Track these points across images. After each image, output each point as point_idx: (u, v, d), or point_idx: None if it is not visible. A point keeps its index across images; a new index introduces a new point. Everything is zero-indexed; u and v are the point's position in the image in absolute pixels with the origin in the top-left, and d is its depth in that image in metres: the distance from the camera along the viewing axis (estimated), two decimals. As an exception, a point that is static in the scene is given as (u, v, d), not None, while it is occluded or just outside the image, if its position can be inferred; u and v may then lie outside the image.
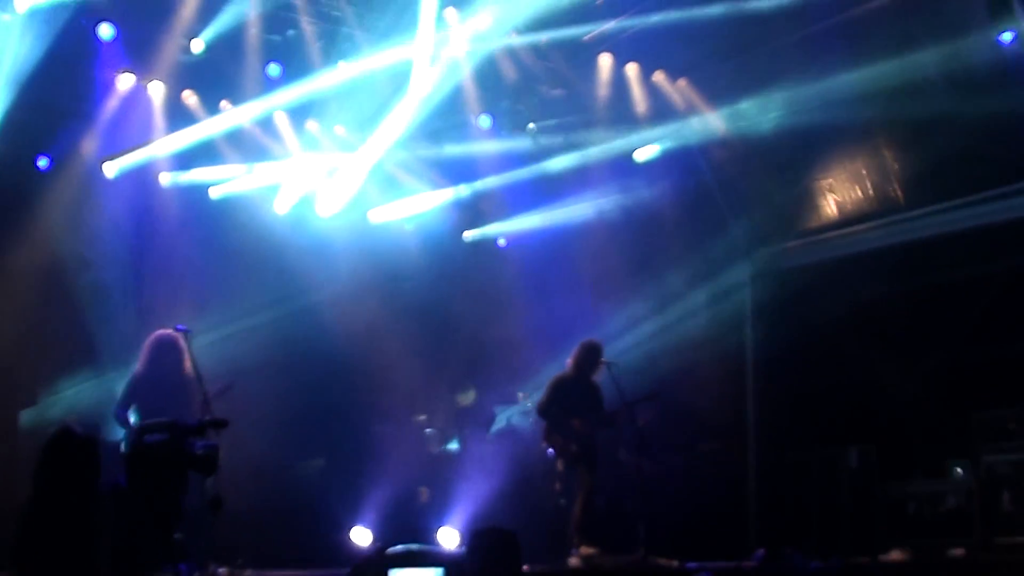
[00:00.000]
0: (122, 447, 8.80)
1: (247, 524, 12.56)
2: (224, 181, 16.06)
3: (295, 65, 15.06)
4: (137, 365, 11.69)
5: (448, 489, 14.94)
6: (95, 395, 13.69)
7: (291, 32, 14.76)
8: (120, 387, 11.57)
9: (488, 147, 17.17)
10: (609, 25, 15.54)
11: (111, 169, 14.93)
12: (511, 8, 14.77)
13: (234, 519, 11.18)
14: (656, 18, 15.08)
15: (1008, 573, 11.67)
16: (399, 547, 10.58)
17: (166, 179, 15.66)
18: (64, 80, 14.06)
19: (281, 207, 16.54)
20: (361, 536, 14.25)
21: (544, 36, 15.53)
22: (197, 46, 14.38)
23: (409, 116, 15.73)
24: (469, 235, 18.19)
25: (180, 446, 8.29)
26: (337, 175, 16.57)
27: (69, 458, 7.07)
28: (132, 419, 10.85)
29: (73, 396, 13.96)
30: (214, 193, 16.10)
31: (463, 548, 6.82)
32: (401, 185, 17.43)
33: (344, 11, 14.69)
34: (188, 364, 11.43)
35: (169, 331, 11.76)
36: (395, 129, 15.90)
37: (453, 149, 17.15)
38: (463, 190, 17.76)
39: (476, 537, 7.13)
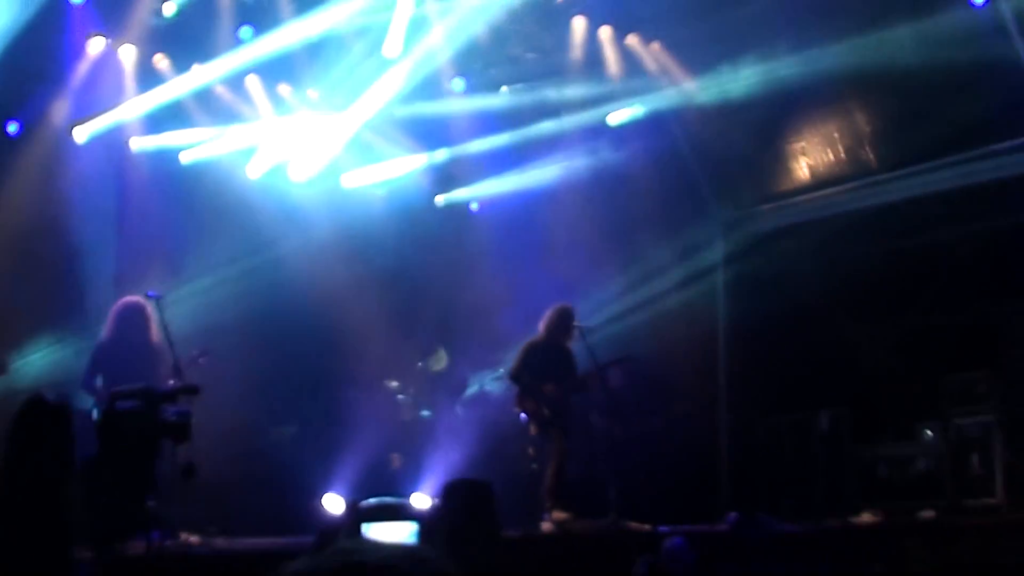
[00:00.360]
0: (94, 414, 8.79)
1: (219, 492, 12.54)
2: (195, 145, 15.91)
3: (267, 28, 14.91)
4: (103, 332, 11.68)
5: (420, 455, 14.95)
6: (66, 361, 13.60)
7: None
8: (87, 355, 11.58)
9: (461, 110, 17.06)
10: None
11: (81, 134, 14.77)
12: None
13: (205, 487, 11.17)
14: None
15: (978, 535, 11.75)
16: (372, 500, 10.54)
17: (137, 144, 15.50)
18: (34, 44, 13.88)
19: (253, 172, 16.44)
20: (333, 503, 14.25)
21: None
22: (168, 8, 14.27)
23: (388, 85, 15.68)
24: (441, 199, 18.10)
25: (152, 413, 8.27)
26: (311, 141, 16.46)
27: (41, 426, 7.05)
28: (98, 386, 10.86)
29: (43, 362, 13.87)
30: (185, 158, 15.96)
31: (437, 501, 6.74)
32: (374, 150, 17.33)
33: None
34: (155, 331, 11.39)
35: (135, 298, 11.72)
36: (374, 97, 15.83)
37: (426, 111, 17.01)
38: (436, 155, 17.67)
39: (450, 489, 7.00)
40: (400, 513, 10.29)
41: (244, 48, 15.13)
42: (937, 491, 13.50)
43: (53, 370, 13.56)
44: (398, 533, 9.51)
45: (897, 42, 14.56)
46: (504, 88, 16.88)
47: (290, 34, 14.83)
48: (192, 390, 8.95)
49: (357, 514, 10.19)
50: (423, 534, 9.17)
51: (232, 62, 15.21)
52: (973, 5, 13.79)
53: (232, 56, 15.13)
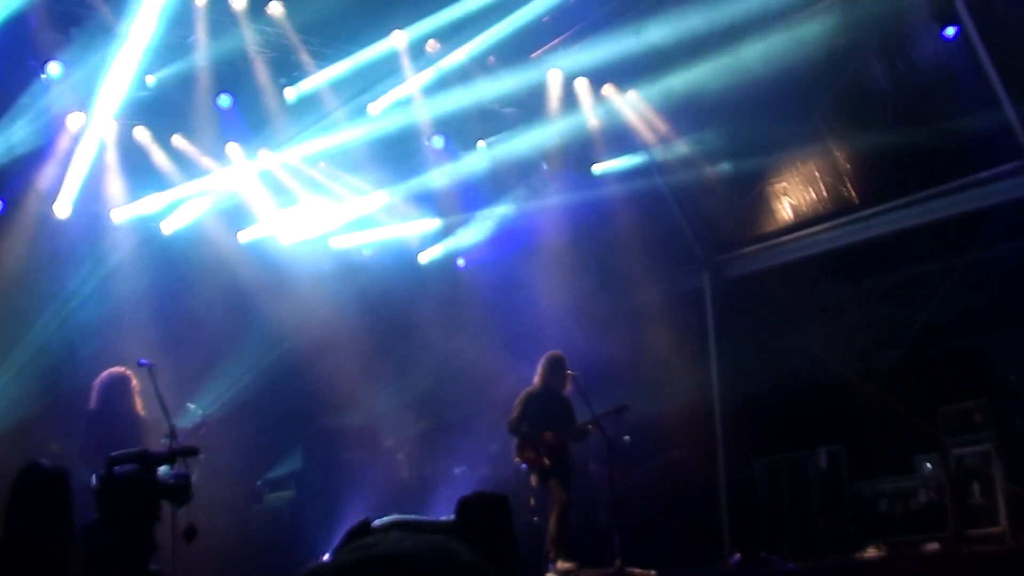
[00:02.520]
0: (92, 480, 8.75)
1: (221, 556, 12.48)
2: (176, 208, 15.89)
3: (246, 95, 14.96)
4: (90, 404, 11.76)
5: (420, 514, 14.84)
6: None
7: (240, 62, 14.69)
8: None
9: (443, 168, 17.12)
10: (556, 41, 15.64)
11: (63, 209, 14.74)
12: (457, 31, 14.87)
13: (207, 552, 11.13)
14: (600, 33, 15.20)
15: (983, 564, 11.71)
16: (386, 518, 10.44)
17: (119, 215, 15.48)
18: (14, 121, 13.92)
19: (242, 236, 16.48)
20: None
21: (492, 56, 15.63)
22: (149, 80, 14.31)
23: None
24: (426, 257, 18.10)
25: (150, 476, 8.23)
26: (300, 205, 16.56)
27: (39, 493, 6.98)
28: None
29: None
30: (167, 228, 15.97)
31: (453, 516, 6.62)
32: (359, 211, 17.34)
33: (294, 39, 14.65)
34: (139, 401, 11.44)
35: (119, 369, 11.82)
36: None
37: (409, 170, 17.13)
38: (421, 214, 17.71)
39: (466, 503, 6.92)
40: (418, 527, 10.19)
41: (224, 120, 15.17)
42: (939, 523, 13.41)
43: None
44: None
45: (872, 79, 14.70)
46: (482, 143, 16.88)
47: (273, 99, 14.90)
48: (191, 452, 8.92)
49: (370, 533, 10.07)
50: None
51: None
52: (945, 37, 13.91)
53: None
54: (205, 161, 15.62)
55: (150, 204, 15.67)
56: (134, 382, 11.60)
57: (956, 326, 14.82)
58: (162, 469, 8.59)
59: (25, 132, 14.13)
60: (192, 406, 13.45)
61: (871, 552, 13.53)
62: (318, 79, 14.93)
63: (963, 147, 14.33)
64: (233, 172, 15.86)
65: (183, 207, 15.93)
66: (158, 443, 10.84)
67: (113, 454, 7.98)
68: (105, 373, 12.01)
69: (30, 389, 13.79)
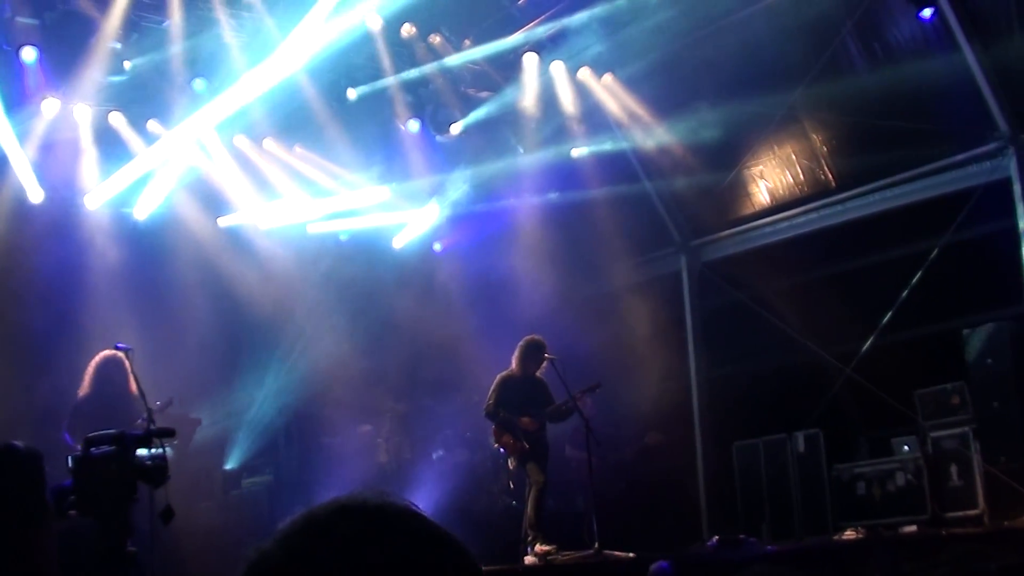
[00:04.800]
0: (68, 462, 8.75)
1: (197, 540, 12.44)
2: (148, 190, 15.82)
3: (220, 78, 14.86)
4: (82, 387, 11.70)
5: (402, 496, 14.81)
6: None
7: (216, 48, 14.58)
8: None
9: (420, 151, 17.06)
10: (532, 25, 15.60)
11: (38, 196, 14.64)
12: (432, 12, 14.81)
13: (183, 537, 11.12)
14: (577, 16, 15.18)
15: (960, 546, 11.70)
16: None
17: (92, 200, 15.39)
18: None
19: (222, 221, 16.44)
20: None
21: (468, 39, 15.59)
22: (124, 66, 14.21)
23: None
24: (401, 242, 18.04)
25: (127, 457, 8.18)
26: (279, 190, 16.54)
27: (12, 475, 6.93)
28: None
29: None
30: (140, 213, 15.89)
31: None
32: (336, 195, 17.28)
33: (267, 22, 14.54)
34: (133, 384, 11.41)
35: (113, 352, 11.79)
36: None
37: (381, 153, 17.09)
38: (398, 197, 17.64)
39: None
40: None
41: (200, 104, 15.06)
42: (918, 505, 13.47)
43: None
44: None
45: (847, 60, 14.72)
46: (456, 126, 16.79)
47: (246, 85, 14.79)
48: (168, 433, 8.86)
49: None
50: None
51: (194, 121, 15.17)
52: (921, 19, 13.92)
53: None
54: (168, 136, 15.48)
55: (118, 181, 15.50)
56: (127, 364, 11.60)
57: (933, 309, 14.87)
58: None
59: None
60: None
61: (849, 534, 13.60)
62: (296, 64, 14.79)
63: (940, 129, 14.35)
64: (196, 144, 15.73)
65: (151, 184, 15.78)
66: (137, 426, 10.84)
67: (90, 435, 7.96)
68: (99, 356, 12.08)
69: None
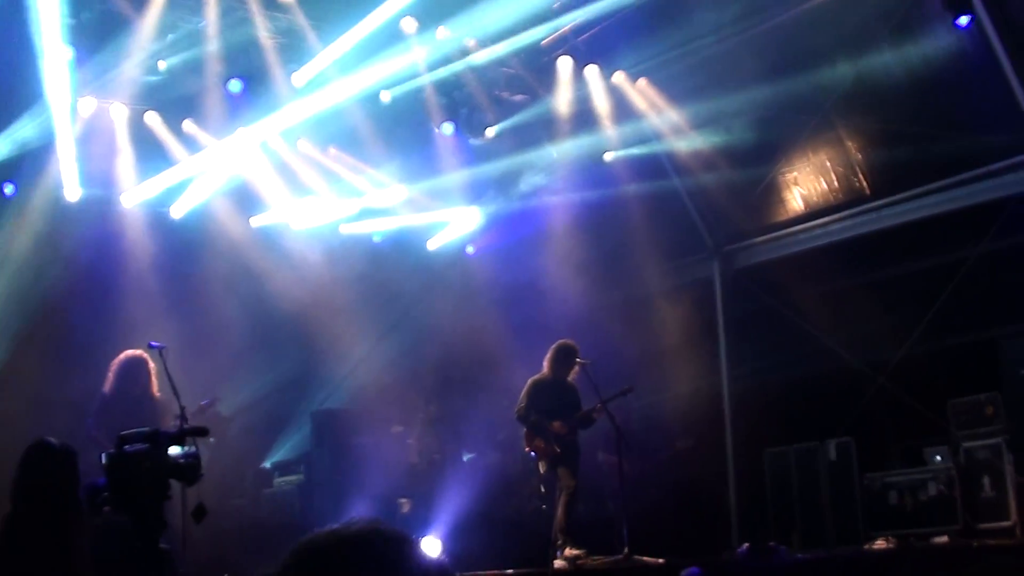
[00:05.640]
0: (102, 459, 8.80)
1: (229, 539, 12.51)
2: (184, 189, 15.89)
3: (257, 79, 14.91)
4: (107, 383, 11.75)
5: (429, 499, 14.84)
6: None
7: (252, 48, 14.63)
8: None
9: (453, 154, 17.09)
10: (566, 28, 15.57)
11: (74, 194, 14.71)
12: (468, 17, 14.80)
13: (218, 533, 11.18)
14: (611, 20, 15.16)
15: (992, 558, 11.66)
16: None
17: (129, 201, 15.48)
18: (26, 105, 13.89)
19: (255, 221, 16.50)
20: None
21: (502, 43, 15.56)
22: (160, 66, 14.29)
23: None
24: (436, 244, 18.07)
25: (161, 454, 8.23)
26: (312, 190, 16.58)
27: (47, 471, 6.99)
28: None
29: None
30: (177, 212, 15.98)
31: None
32: (369, 196, 17.31)
33: (302, 23, 14.59)
34: (155, 383, 11.46)
35: (136, 352, 11.83)
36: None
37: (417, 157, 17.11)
38: (431, 199, 17.67)
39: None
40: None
41: (235, 106, 15.13)
42: (949, 516, 13.40)
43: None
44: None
45: (885, 69, 14.65)
46: (491, 130, 16.79)
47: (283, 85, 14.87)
48: (201, 432, 8.91)
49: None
50: None
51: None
52: (958, 26, 13.83)
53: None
54: (214, 144, 15.56)
55: (158, 184, 15.61)
56: (151, 364, 11.64)
57: (967, 318, 14.79)
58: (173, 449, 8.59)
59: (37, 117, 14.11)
60: None
61: (880, 544, 13.53)
62: (324, 62, 14.82)
63: (976, 138, 14.26)
64: (241, 154, 15.79)
65: (191, 188, 15.88)
66: (170, 424, 10.87)
67: (123, 432, 8.01)
68: (122, 355, 12.04)
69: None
